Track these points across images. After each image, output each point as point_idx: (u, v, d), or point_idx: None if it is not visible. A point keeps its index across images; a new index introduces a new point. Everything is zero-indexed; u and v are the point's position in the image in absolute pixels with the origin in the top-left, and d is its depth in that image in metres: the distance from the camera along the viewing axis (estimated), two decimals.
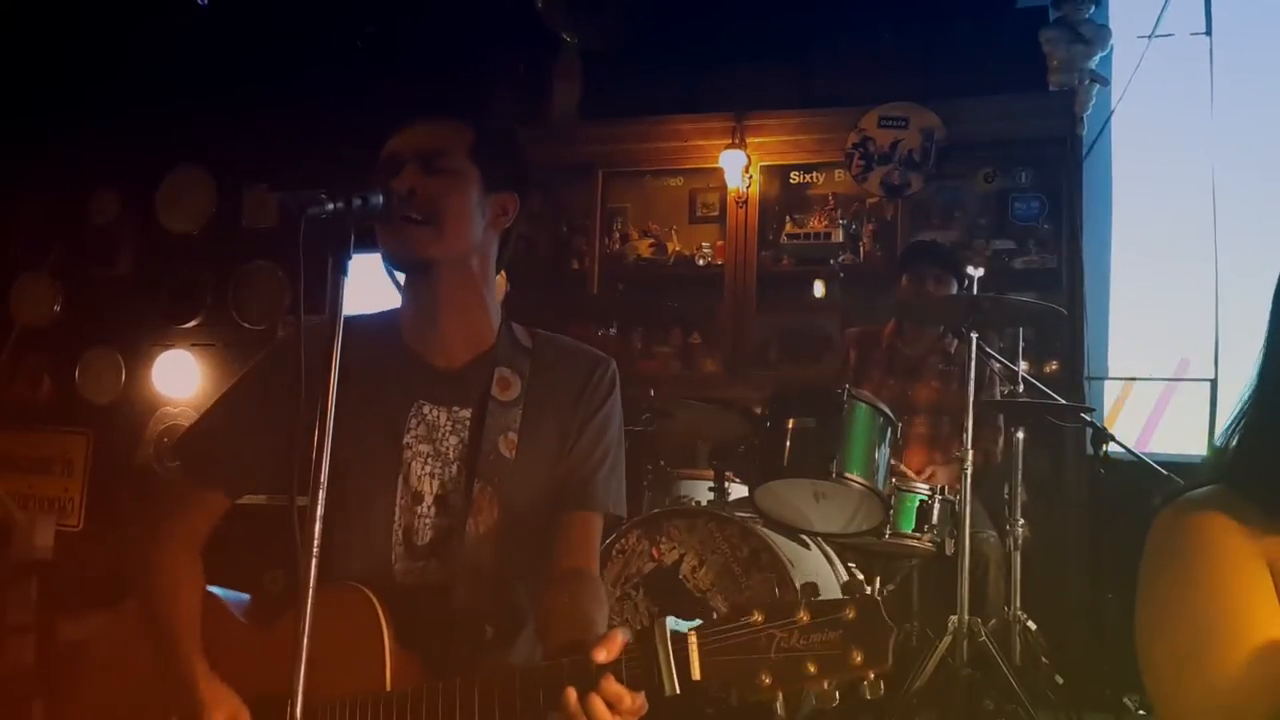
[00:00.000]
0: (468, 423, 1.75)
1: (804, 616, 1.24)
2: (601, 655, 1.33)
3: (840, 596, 1.28)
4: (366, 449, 1.71)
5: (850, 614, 1.24)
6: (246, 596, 1.79)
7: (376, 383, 1.74)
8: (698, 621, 1.31)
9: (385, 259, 1.72)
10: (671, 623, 1.31)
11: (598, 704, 1.33)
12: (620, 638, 1.35)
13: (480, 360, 1.78)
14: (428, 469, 1.73)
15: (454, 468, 1.73)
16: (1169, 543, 1.19)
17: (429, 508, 1.72)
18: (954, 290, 4.10)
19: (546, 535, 1.75)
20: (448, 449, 1.74)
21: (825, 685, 1.24)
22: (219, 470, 1.77)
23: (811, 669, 1.23)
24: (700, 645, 1.28)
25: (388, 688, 1.52)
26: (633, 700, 1.34)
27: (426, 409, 1.75)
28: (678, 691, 1.29)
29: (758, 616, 1.26)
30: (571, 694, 1.34)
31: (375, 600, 1.56)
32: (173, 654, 1.66)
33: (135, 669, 1.72)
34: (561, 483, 1.77)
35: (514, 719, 1.41)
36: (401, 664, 1.54)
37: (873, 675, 1.24)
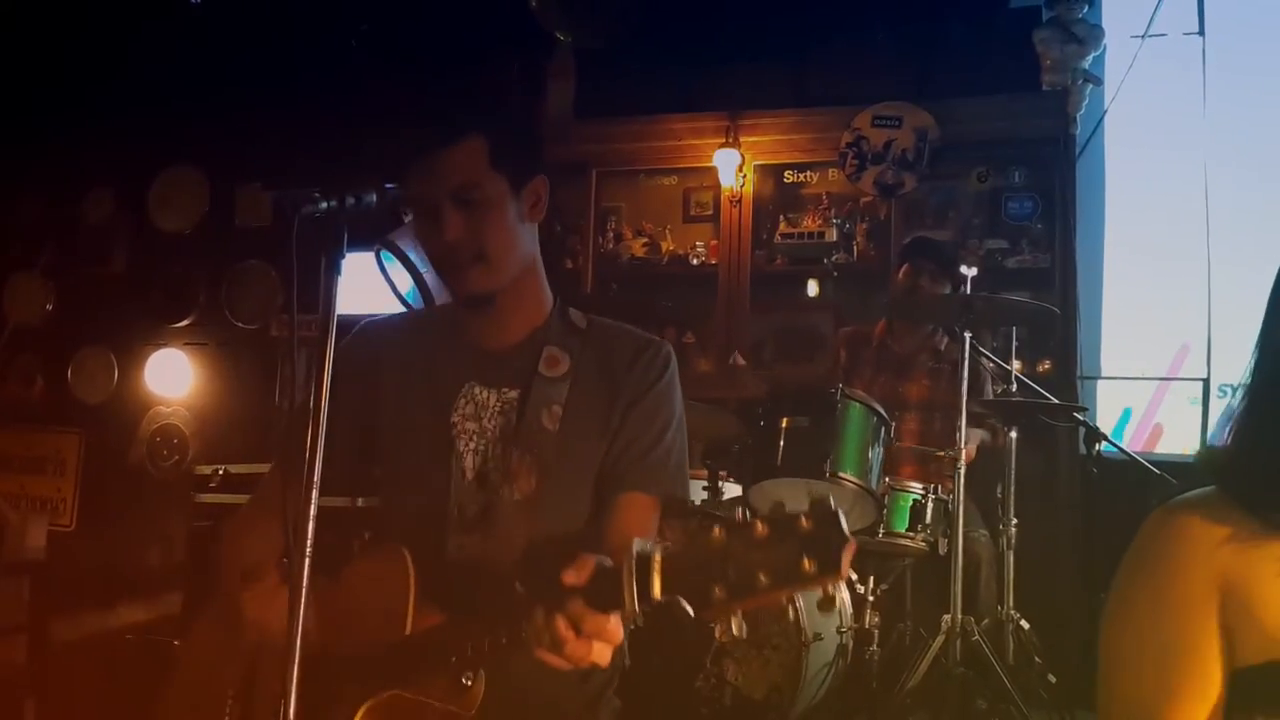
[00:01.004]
0: (515, 403, 1.79)
1: (760, 529, 1.22)
2: (570, 577, 1.35)
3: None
4: (419, 432, 1.79)
5: (805, 524, 1.20)
6: None
7: (431, 369, 1.82)
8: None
9: (453, 298, 1.80)
10: (639, 544, 1.30)
11: (559, 623, 1.34)
12: (592, 562, 1.36)
13: (531, 339, 1.83)
14: (472, 446, 1.78)
15: (498, 446, 1.77)
16: (1141, 549, 1.21)
17: (472, 484, 1.77)
18: (947, 290, 4.11)
19: (595, 513, 1.78)
20: (494, 427, 1.78)
21: (781, 596, 1.24)
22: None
23: (763, 579, 1.20)
24: (663, 564, 1.27)
25: (407, 631, 1.58)
26: (594, 622, 1.34)
27: (477, 390, 1.81)
28: (636, 609, 1.28)
29: (718, 533, 1.24)
30: (539, 612, 1.36)
31: (408, 557, 1.61)
32: (222, 592, 1.73)
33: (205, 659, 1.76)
34: (613, 464, 1.78)
35: (502, 647, 1.46)
36: (425, 616, 1.59)
37: (829, 587, 1.22)
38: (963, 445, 3.50)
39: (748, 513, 1.24)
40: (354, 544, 1.93)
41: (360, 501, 1.88)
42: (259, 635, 1.65)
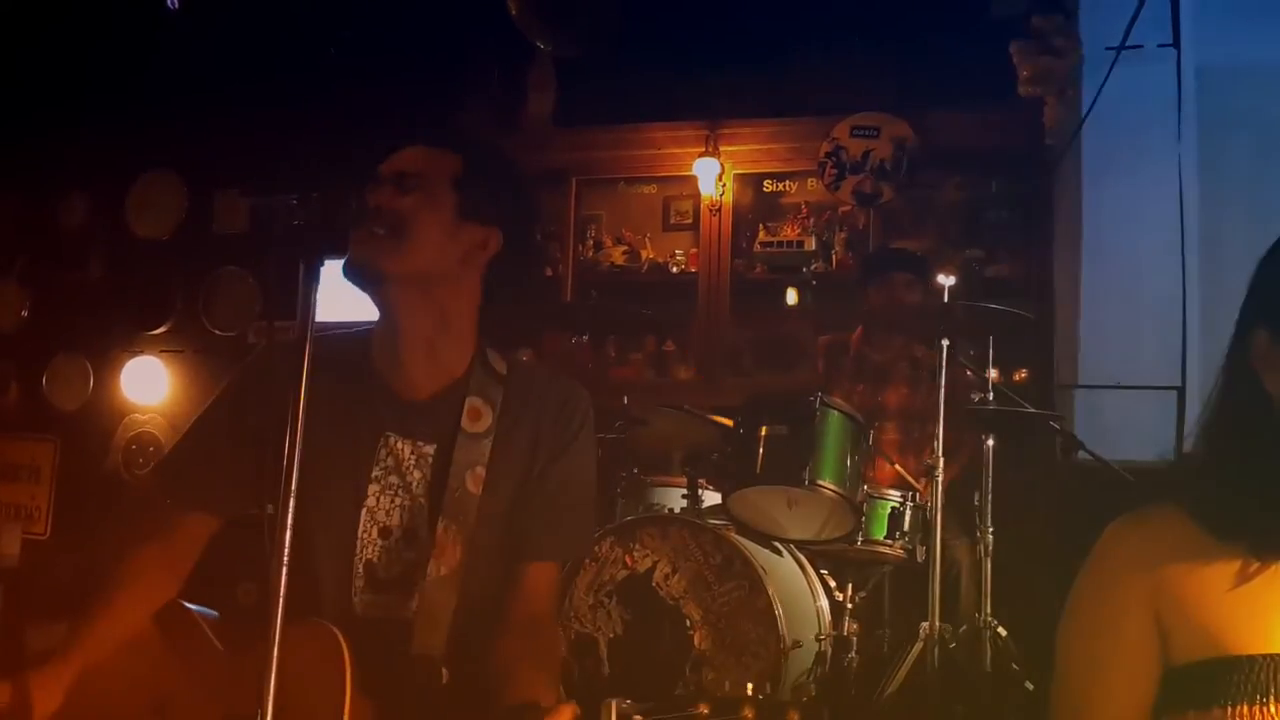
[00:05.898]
0: (431, 459, 1.72)
1: (748, 714, 1.25)
2: None
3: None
4: (330, 478, 1.68)
5: (794, 717, 1.24)
6: (214, 613, 1.77)
7: (345, 409, 1.70)
8: (649, 705, 1.32)
9: (345, 272, 1.66)
10: (617, 706, 1.30)
11: None
12: (569, 714, 1.35)
13: (449, 390, 1.74)
14: (396, 502, 1.70)
15: (421, 502, 1.71)
16: (1093, 557, 1.29)
17: (397, 541, 1.69)
18: (921, 297, 4.14)
19: (504, 580, 1.74)
20: (413, 482, 1.71)
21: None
22: (201, 491, 1.76)
23: None
24: None
25: None
26: None
27: (394, 441, 1.72)
28: None
29: (704, 709, 1.26)
30: None
31: (342, 641, 1.52)
32: (78, 633, 1.66)
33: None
34: (524, 529, 1.73)
35: None
36: (359, 708, 1.51)
37: None
38: (940, 453, 3.53)
39: (736, 692, 1.28)
40: (236, 590, 1.88)
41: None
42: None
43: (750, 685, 1.30)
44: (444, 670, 1.65)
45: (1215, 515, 1.19)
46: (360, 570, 1.69)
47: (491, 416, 1.73)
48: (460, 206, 1.71)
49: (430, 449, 1.72)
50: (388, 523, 1.70)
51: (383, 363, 1.75)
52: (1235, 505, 1.19)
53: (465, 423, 1.72)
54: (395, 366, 1.74)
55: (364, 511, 1.69)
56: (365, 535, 1.69)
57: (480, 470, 1.70)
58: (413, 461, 1.72)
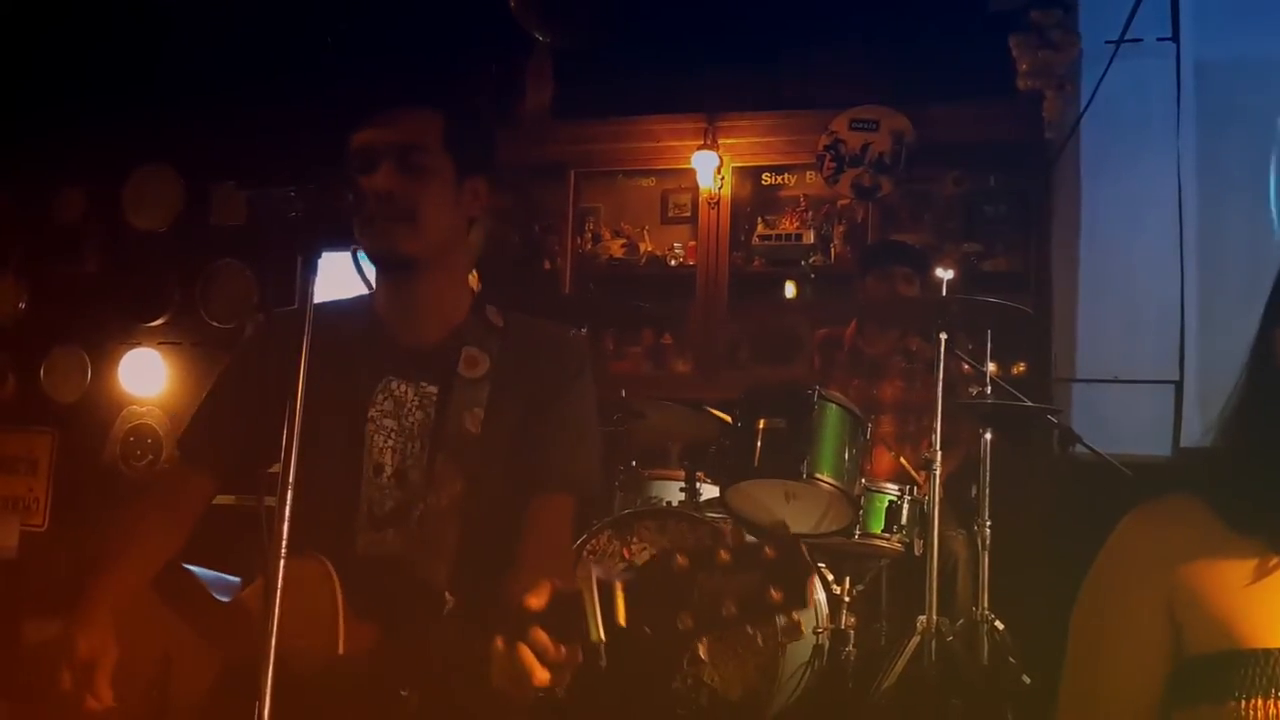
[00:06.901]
0: (434, 398, 1.78)
1: (724, 556, 1.23)
2: (533, 601, 1.32)
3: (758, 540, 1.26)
4: (333, 423, 1.74)
5: (769, 553, 1.22)
6: (236, 580, 1.82)
7: (346, 359, 1.77)
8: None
9: (366, 255, 1.74)
10: (599, 571, 1.30)
11: (525, 654, 1.32)
12: (549, 586, 1.34)
13: (450, 338, 1.81)
14: (390, 443, 1.76)
15: (417, 443, 1.76)
16: (1109, 549, 1.29)
17: (388, 480, 1.75)
18: (917, 292, 4.14)
19: (515, 514, 1.77)
20: (413, 424, 1.77)
21: (747, 625, 1.24)
22: (205, 451, 1.84)
23: (732, 609, 1.22)
24: (626, 592, 1.27)
25: (340, 652, 1.54)
26: (557, 651, 1.32)
27: (394, 384, 1.78)
28: (603, 639, 1.27)
29: (681, 560, 1.25)
30: (499, 642, 1.33)
31: (331, 568, 1.58)
32: (93, 581, 1.71)
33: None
34: (531, 464, 1.78)
35: (453, 672, 1.43)
36: (356, 629, 1.56)
37: (794, 615, 1.24)
38: (938, 447, 3.53)
39: (715, 533, 1.26)
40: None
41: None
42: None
43: (722, 550, 1.24)
44: (447, 595, 1.69)
45: (1236, 509, 1.20)
46: (363, 509, 1.74)
47: (488, 365, 1.80)
48: (456, 169, 1.77)
49: (433, 389, 1.79)
50: (381, 461, 1.76)
51: (388, 315, 1.82)
52: (1256, 500, 1.20)
53: (462, 369, 1.79)
54: (403, 319, 1.81)
55: (365, 453, 1.75)
56: (366, 476, 1.75)
57: (478, 411, 1.76)
58: (415, 403, 1.78)
